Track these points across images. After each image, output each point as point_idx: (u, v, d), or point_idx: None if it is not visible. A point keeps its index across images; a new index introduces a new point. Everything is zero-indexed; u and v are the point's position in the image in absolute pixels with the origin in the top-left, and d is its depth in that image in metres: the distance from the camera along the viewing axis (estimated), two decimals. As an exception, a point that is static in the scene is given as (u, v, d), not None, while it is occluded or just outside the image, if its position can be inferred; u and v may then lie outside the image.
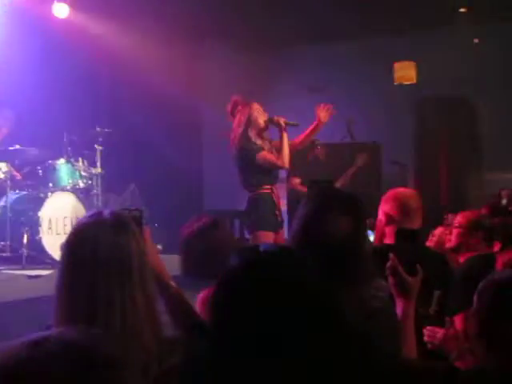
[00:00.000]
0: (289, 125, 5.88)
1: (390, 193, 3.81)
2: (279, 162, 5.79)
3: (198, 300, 3.09)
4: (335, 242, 2.33)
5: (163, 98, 9.40)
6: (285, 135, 5.83)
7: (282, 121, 5.83)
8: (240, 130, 5.85)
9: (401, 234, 3.24)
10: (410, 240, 3.07)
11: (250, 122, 5.85)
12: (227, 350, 1.40)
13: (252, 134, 5.88)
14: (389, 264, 2.54)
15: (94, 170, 7.36)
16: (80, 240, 2.01)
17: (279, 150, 5.81)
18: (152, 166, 9.07)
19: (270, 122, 5.89)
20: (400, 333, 2.45)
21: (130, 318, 1.95)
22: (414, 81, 9.68)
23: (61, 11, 9.34)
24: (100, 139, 6.72)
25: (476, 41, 9.70)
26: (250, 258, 1.51)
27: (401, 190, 3.93)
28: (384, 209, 3.68)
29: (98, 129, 6.62)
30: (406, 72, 9.78)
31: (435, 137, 10.14)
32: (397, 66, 9.76)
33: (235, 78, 10.30)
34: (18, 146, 7.44)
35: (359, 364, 1.66)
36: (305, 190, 7.98)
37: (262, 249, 1.53)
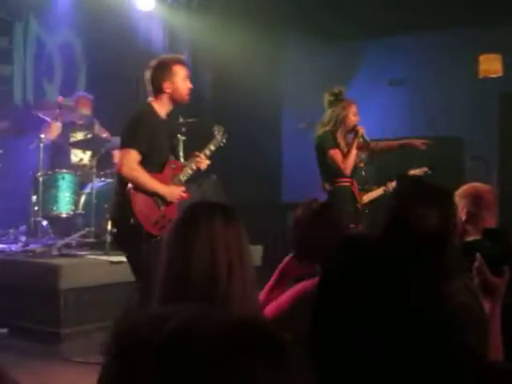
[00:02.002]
0: (363, 139, 6.04)
1: (466, 188, 3.74)
2: (342, 166, 5.93)
3: (262, 292, 3.07)
4: (423, 235, 2.30)
5: (243, 90, 9.46)
6: (355, 144, 5.99)
7: (360, 131, 6.00)
8: (329, 122, 6.02)
9: (486, 232, 3.18)
10: (495, 239, 3.01)
11: (341, 119, 6.01)
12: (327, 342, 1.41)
13: (338, 131, 6.05)
14: (475, 265, 2.50)
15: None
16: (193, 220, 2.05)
17: (346, 156, 5.95)
18: (232, 157, 9.15)
19: (353, 129, 6.05)
20: (487, 331, 2.40)
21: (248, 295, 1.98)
22: (500, 74, 9.43)
23: (145, 4, 9.52)
24: (183, 129, 6.78)
25: None
26: (355, 255, 1.51)
27: (476, 184, 3.86)
28: (461, 205, 3.61)
29: (181, 119, 6.69)
30: (491, 65, 9.53)
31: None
32: (482, 58, 9.53)
33: (315, 71, 10.29)
34: (105, 135, 7.64)
35: (446, 363, 1.64)
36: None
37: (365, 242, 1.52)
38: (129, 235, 4.55)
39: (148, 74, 4.75)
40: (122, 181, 4.56)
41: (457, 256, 2.39)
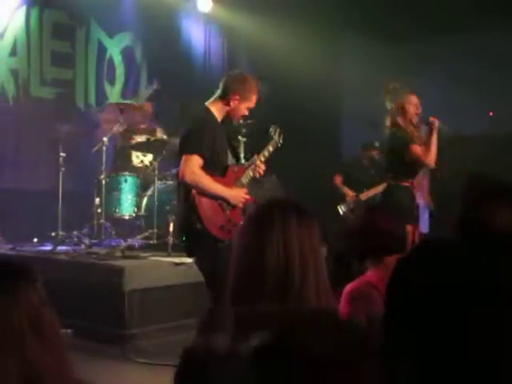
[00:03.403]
0: (441, 129, 5.98)
1: None
2: (426, 160, 5.94)
3: (345, 292, 3.08)
4: (495, 234, 2.24)
5: (302, 90, 9.43)
6: (435, 135, 5.94)
7: (436, 123, 5.94)
8: (392, 117, 6.05)
9: None
10: None
11: (404, 111, 6.02)
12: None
13: (403, 123, 6.03)
14: None
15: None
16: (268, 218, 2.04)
17: (428, 148, 5.92)
18: (292, 157, 9.12)
19: (425, 122, 6.04)
20: None
21: (322, 294, 1.96)
22: None
23: (204, 5, 9.61)
24: (244, 130, 6.79)
25: None
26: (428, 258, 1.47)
27: None
28: None
29: (241, 121, 6.71)
30: None
31: None
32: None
33: (373, 70, 10.19)
34: (165, 137, 7.69)
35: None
36: (345, 190, 8.17)
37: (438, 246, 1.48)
38: (196, 241, 4.55)
39: (226, 79, 4.76)
40: (186, 186, 4.56)
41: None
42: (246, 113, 4.81)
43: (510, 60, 9.81)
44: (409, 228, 6.02)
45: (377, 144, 8.76)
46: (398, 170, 6.08)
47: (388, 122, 6.11)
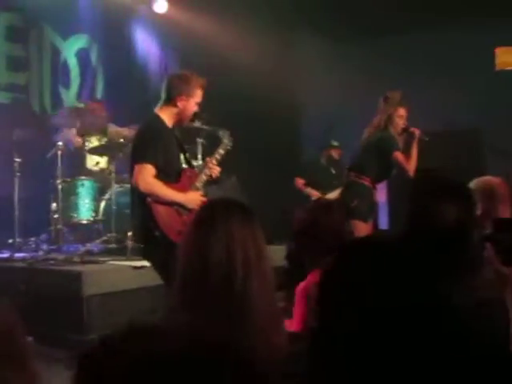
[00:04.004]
0: (421, 138, 6.34)
1: (477, 183, 3.70)
2: (407, 167, 6.21)
3: (298, 291, 3.10)
4: (443, 229, 2.28)
5: (260, 90, 9.43)
6: (415, 146, 6.30)
7: (417, 133, 6.31)
8: (383, 124, 6.33)
9: (497, 222, 3.14)
10: (506, 229, 2.97)
11: (391, 121, 6.32)
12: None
13: (393, 132, 6.33)
14: (485, 254, 2.48)
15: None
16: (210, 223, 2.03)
17: (409, 156, 6.26)
18: (252, 157, 9.12)
19: (405, 131, 6.37)
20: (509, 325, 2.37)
21: (266, 294, 1.96)
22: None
23: (160, 7, 9.59)
24: (201, 133, 6.78)
25: None
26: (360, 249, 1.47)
27: (487, 178, 3.84)
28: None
29: (197, 123, 6.69)
30: (507, 57, 9.45)
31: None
32: (498, 51, 9.45)
33: (333, 69, 10.26)
34: (121, 141, 7.62)
35: (473, 358, 1.60)
36: (309, 191, 8.31)
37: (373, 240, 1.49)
38: (155, 247, 4.54)
39: (167, 82, 4.75)
40: (140, 194, 4.54)
41: (478, 251, 2.36)
42: (196, 108, 4.80)
43: (462, 54, 9.95)
44: (365, 225, 6.17)
45: (335, 143, 8.83)
46: (371, 170, 6.25)
47: (377, 124, 6.37)
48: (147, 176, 4.49)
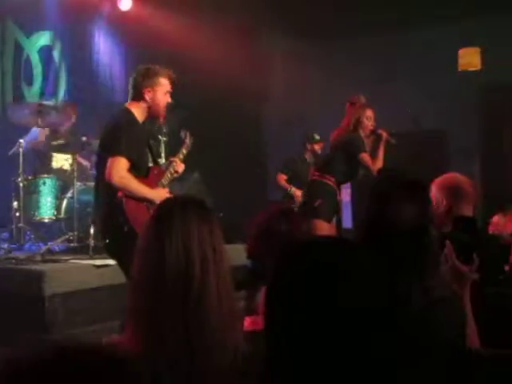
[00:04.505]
0: (388, 141, 6.49)
1: (446, 179, 3.72)
2: (373, 168, 6.31)
3: (262, 294, 3.09)
4: (399, 229, 2.29)
5: (224, 88, 9.42)
6: (382, 147, 6.45)
7: (384, 135, 6.47)
8: (350, 126, 6.46)
9: (457, 221, 3.17)
10: (465, 227, 3.00)
11: (359, 123, 6.43)
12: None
13: (361, 134, 6.46)
14: (444, 252, 2.50)
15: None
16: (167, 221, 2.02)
17: (376, 158, 6.41)
18: (215, 155, 9.11)
19: (373, 132, 6.50)
20: (466, 324, 2.39)
21: (224, 293, 1.95)
22: (479, 67, 9.44)
23: (125, 4, 9.53)
24: (164, 130, 6.77)
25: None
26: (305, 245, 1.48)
27: (455, 175, 3.83)
28: (440, 196, 3.59)
29: (161, 120, 6.68)
30: (470, 58, 9.55)
31: (501, 124, 9.94)
32: (461, 52, 9.54)
33: (298, 69, 10.29)
34: (84, 139, 7.56)
35: (427, 356, 1.60)
36: (294, 191, 8.32)
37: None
38: (124, 243, 4.48)
39: (133, 78, 4.73)
40: (111, 188, 4.50)
41: (435, 249, 2.38)
42: (169, 99, 4.77)
43: (426, 55, 10.04)
44: (328, 225, 6.23)
45: (317, 137, 8.68)
46: (336, 170, 6.32)
47: (346, 126, 6.50)
48: (121, 169, 4.45)
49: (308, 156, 8.80)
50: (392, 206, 2.32)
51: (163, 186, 4.83)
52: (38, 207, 7.20)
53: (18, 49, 9.14)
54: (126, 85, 4.99)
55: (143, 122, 4.79)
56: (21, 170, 7.07)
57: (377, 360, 1.33)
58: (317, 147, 8.74)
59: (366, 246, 2.16)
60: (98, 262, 6.20)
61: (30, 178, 7.24)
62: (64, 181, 7.45)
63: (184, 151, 5.14)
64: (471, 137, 9.97)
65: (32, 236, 7.14)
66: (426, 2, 9.00)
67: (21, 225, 7.02)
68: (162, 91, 4.72)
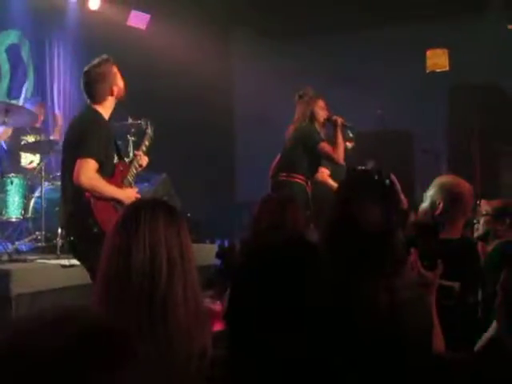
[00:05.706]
0: (345, 126, 6.43)
1: (450, 183, 3.72)
2: (335, 156, 6.21)
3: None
4: (364, 230, 2.26)
5: (194, 89, 9.43)
6: (339, 133, 6.30)
7: (339, 121, 6.34)
8: (304, 120, 6.34)
9: (421, 227, 3.16)
10: (430, 234, 3.01)
11: (313, 115, 6.32)
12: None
13: (316, 126, 6.36)
14: (410, 258, 2.52)
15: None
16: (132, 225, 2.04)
17: (335, 145, 6.24)
18: (183, 156, 9.12)
19: (328, 120, 6.38)
20: (432, 326, 2.40)
21: (190, 295, 1.97)
22: (447, 68, 9.55)
23: (93, 3, 9.49)
24: (132, 130, 6.76)
25: (510, 27, 9.56)
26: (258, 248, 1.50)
27: (461, 182, 3.82)
28: (438, 197, 3.59)
29: (130, 120, 6.66)
30: (438, 59, 9.66)
31: (468, 124, 10.02)
32: (429, 53, 9.65)
33: (265, 67, 10.31)
34: (52, 138, 7.53)
35: (393, 359, 1.62)
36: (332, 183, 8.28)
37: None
38: (93, 245, 4.44)
39: (92, 83, 4.69)
40: (78, 189, 4.48)
41: (400, 251, 2.38)
42: (121, 82, 4.76)
43: (393, 55, 10.12)
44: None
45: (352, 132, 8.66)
46: (301, 166, 6.23)
47: (300, 120, 6.38)
48: (90, 171, 4.41)
49: None
50: (356, 207, 2.30)
51: (129, 183, 4.80)
52: (6, 206, 7.14)
53: (-14, 47, 9.06)
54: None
55: (109, 119, 4.78)
56: (-13, 169, 7.03)
57: (338, 359, 1.35)
58: None
59: (328, 246, 2.18)
60: (66, 262, 6.17)
61: (-3, 177, 7.19)
62: (32, 180, 7.41)
63: (146, 143, 5.11)
64: (437, 138, 10.05)
65: (-1, 235, 7.09)
66: (396, 3, 9.08)
67: (-13, 224, 6.97)
68: (119, 79, 4.73)
